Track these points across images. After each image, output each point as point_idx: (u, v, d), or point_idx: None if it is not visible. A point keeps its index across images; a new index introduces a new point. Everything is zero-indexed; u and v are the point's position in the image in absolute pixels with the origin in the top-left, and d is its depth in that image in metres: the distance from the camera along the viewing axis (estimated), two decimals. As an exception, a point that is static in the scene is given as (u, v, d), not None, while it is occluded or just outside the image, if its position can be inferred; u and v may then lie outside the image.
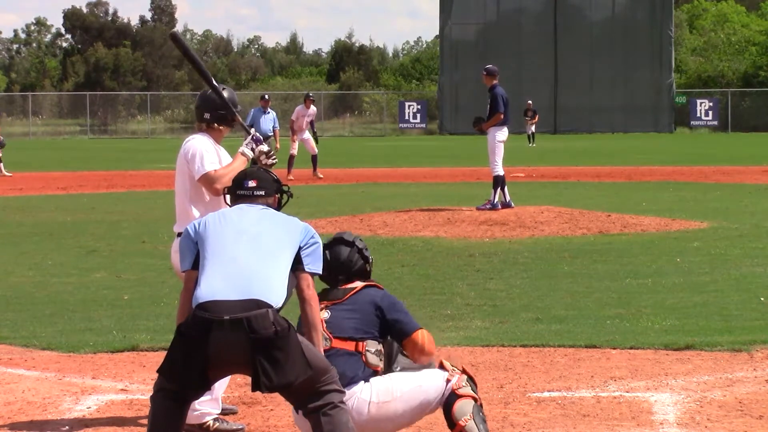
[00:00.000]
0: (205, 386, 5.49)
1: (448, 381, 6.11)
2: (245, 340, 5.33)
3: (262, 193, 5.99)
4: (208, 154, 7.24)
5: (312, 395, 5.48)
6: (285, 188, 6.18)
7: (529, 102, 54.65)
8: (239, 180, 6.07)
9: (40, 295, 12.04)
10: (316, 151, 30.71)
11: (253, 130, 7.38)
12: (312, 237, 5.77)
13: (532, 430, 6.94)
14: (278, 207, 6.10)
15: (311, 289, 5.69)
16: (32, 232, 18.19)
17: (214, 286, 5.47)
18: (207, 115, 7.37)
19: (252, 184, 6.00)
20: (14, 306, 11.45)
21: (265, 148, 7.22)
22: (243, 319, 5.34)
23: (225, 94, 7.37)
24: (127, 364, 8.87)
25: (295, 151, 29.92)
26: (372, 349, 6.09)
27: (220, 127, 7.40)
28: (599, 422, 7.06)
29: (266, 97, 30.97)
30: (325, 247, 6.28)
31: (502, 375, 8.30)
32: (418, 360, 6.21)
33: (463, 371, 6.19)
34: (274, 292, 5.48)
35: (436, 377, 6.14)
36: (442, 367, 6.19)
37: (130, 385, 8.18)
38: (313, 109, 30.82)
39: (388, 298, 6.22)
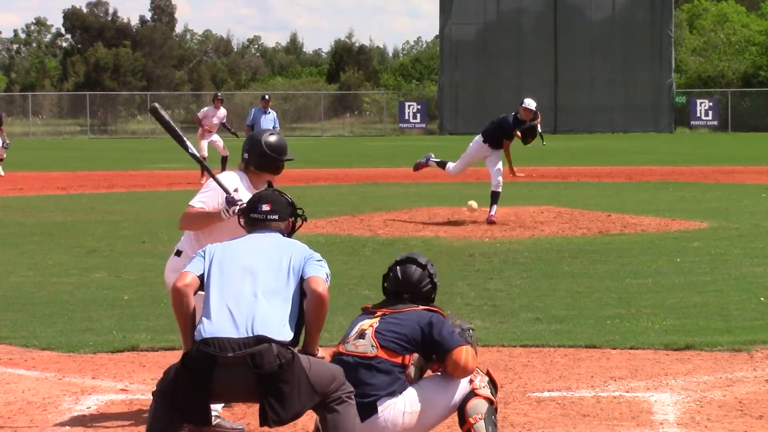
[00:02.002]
0: (205, 416, 5.48)
1: (471, 381, 6.15)
2: (250, 376, 5.35)
3: (276, 217, 5.97)
4: (209, 191, 7.18)
5: (320, 405, 5.57)
6: (299, 212, 6.14)
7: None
8: (254, 203, 6.02)
9: (40, 295, 12.04)
10: (227, 153, 30.00)
11: (234, 193, 7.04)
12: (319, 257, 5.80)
13: (532, 430, 6.94)
14: (291, 231, 6.09)
15: (322, 289, 5.66)
16: (32, 232, 18.19)
17: (217, 324, 5.49)
18: (246, 156, 7.24)
19: (266, 207, 5.97)
20: (14, 306, 11.45)
21: (237, 209, 6.95)
22: (246, 356, 5.35)
23: (272, 139, 7.20)
24: (127, 364, 8.87)
25: (205, 153, 28.80)
26: (416, 363, 6.11)
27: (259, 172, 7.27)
28: (599, 422, 7.06)
29: (267, 97, 30.85)
30: (397, 263, 6.37)
31: (502, 375, 8.29)
32: (458, 376, 6.14)
33: (487, 373, 6.23)
34: (277, 328, 5.50)
35: (462, 381, 6.18)
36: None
37: (130, 385, 8.18)
38: (223, 111, 30.15)
39: (438, 318, 6.23)
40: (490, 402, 6.10)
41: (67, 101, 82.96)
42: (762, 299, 11.17)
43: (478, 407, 6.05)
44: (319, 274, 5.71)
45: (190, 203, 7.19)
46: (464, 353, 6.12)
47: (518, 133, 18.54)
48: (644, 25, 70.02)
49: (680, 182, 28.18)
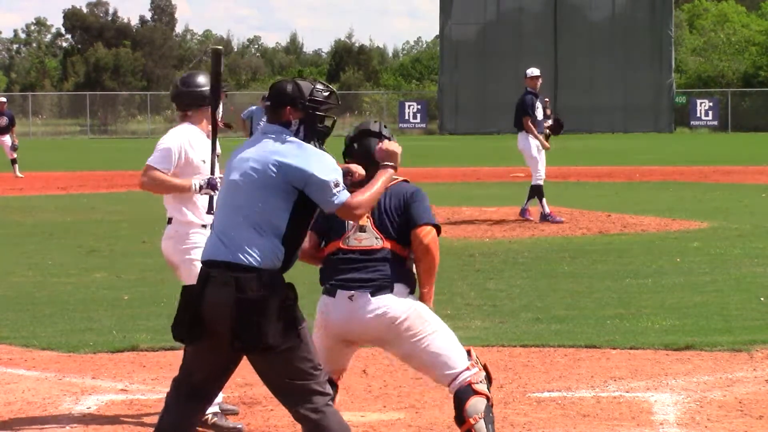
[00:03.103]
0: (188, 332, 5.39)
1: (468, 369, 6.07)
2: (233, 299, 5.26)
3: (269, 102, 5.55)
4: (167, 151, 7.22)
5: (296, 394, 5.39)
6: (310, 103, 5.53)
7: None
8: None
9: (40, 295, 12.04)
10: (14, 155, 30.18)
11: (217, 174, 7.14)
12: (331, 175, 5.39)
13: (532, 430, 6.94)
14: (308, 124, 5.50)
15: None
16: (32, 232, 18.19)
17: (213, 247, 5.41)
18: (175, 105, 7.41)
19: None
20: (14, 306, 11.45)
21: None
22: (233, 278, 5.28)
23: (184, 76, 7.44)
24: (127, 364, 8.87)
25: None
26: (413, 255, 6.11)
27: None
28: (599, 422, 7.06)
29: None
30: (352, 139, 6.24)
31: (502, 375, 8.29)
32: (418, 256, 6.10)
33: (485, 367, 6.18)
34: (266, 256, 5.32)
35: (463, 352, 6.12)
36: (468, 353, 6.15)
37: (130, 385, 8.18)
38: (7, 111, 30.13)
39: (421, 193, 6.21)
40: (487, 398, 6.06)
41: (67, 101, 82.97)
42: (762, 299, 11.17)
43: (477, 406, 6.00)
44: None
45: (152, 163, 7.17)
46: (430, 234, 6.15)
47: (548, 128, 18.73)
48: (644, 25, 70.00)
49: (680, 182, 28.18)
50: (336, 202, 5.39)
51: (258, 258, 5.30)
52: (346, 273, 6.00)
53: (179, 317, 5.45)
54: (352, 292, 5.94)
